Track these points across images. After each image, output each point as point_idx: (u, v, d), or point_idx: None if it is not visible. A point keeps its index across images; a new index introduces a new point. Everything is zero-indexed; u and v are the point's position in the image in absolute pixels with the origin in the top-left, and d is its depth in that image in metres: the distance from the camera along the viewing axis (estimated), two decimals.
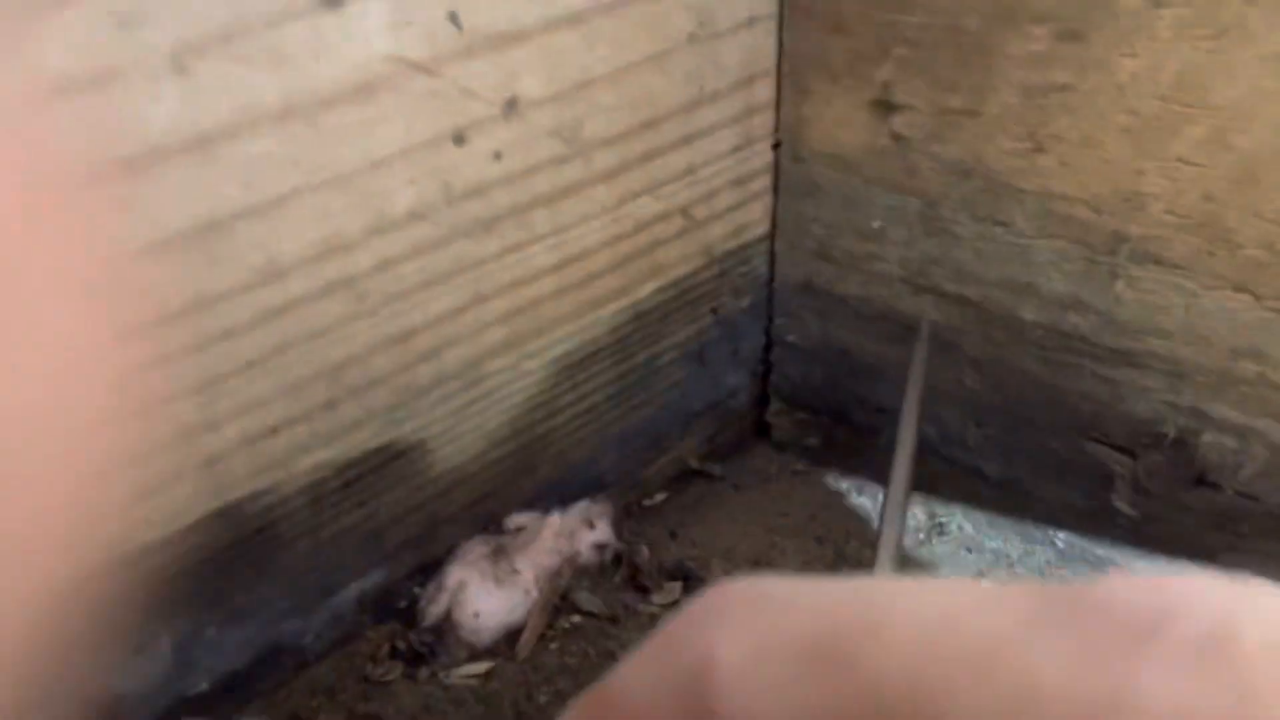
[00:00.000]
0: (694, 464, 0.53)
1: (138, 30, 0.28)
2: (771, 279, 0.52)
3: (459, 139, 0.36)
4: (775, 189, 0.50)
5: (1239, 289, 0.38)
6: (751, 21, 0.45)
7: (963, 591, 0.10)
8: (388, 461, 0.39)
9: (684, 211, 0.46)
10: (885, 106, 0.44)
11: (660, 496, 0.52)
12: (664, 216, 0.45)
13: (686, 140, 0.45)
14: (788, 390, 0.54)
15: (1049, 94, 0.39)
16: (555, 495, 0.46)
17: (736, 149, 0.47)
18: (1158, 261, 0.39)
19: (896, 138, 0.44)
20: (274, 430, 0.35)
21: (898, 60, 0.43)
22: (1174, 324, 0.39)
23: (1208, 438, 0.41)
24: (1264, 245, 0.36)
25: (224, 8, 0.29)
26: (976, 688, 0.09)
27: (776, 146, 0.49)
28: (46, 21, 0.26)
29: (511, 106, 0.37)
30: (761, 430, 0.56)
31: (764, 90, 0.47)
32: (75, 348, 0.14)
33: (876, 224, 0.47)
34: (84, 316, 0.14)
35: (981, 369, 0.46)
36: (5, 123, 0.13)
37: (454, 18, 0.34)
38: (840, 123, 0.46)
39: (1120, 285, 0.40)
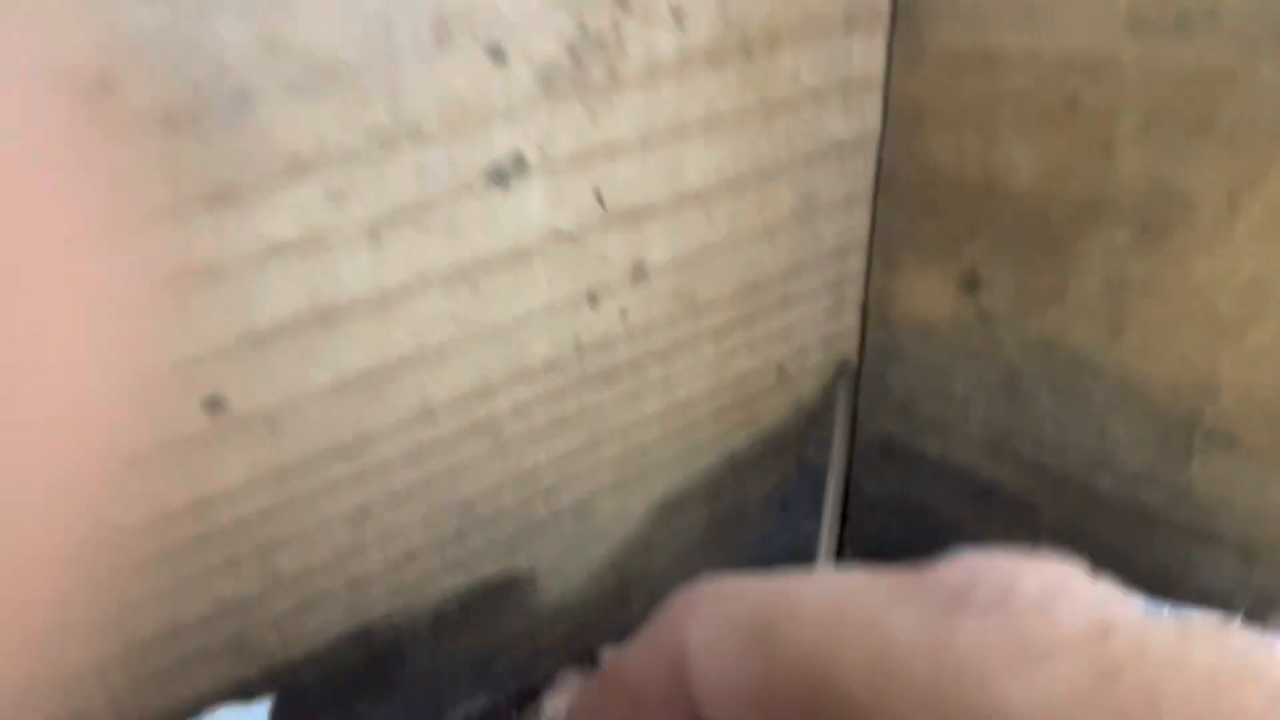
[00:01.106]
0: None
1: (345, 204, 0.32)
2: (852, 434, 0.55)
3: (592, 299, 0.40)
4: (861, 350, 0.53)
5: None
6: (849, 200, 0.49)
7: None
8: (502, 590, 0.42)
9: (779, 367, 0.50)
10: (971, 284, 0.48)
11: None
12: (760, 371, 0.49)
13: (785, 303, 0.48)
14: (863, 542, 0.57)
15: (1129, 284, 0.43)
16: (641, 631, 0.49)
17: (828, 311, 0.51)
18: (1230, 446, 0.42)
19: (981, 313, 0.48)
20: (411, 557, 0.38)
21: (985, 243, 0.47)
22: (1245, 506, 0.42)
23: (1277, 616, 0.43)
24: None
25: (415, 186, 0.33)
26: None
27: (863, 311, 0.53)
28: (274, 195, 0.31)
29: (639, 271, 0.41)
30: None
31: (856, 261, 0.51)
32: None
33: (959, 390, 0.50)
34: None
35: (1057, 535, 0.48)
36: None
37: (599, 196, 0.39)
38: (927, 295, 0.50)
39: (1195, 465, 0.43)
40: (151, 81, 0.27)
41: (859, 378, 0.54)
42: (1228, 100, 0.38)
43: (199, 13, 0.27)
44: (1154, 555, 0.45)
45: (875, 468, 0.55)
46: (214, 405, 0.31)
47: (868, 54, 0.46)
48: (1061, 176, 0.43)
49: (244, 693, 0.35)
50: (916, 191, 0.48)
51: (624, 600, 0.48)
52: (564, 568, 0.44)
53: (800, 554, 0.56)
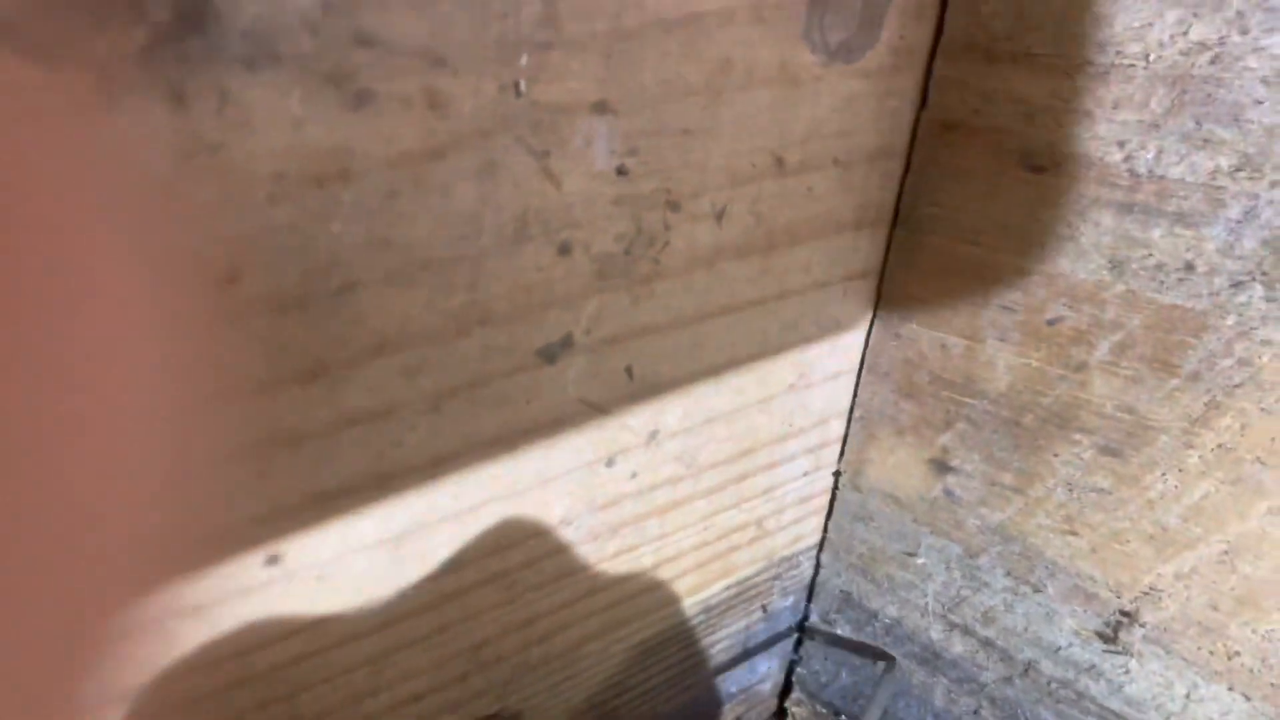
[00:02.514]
0: None
1: (416, 379, 0.34)
2: (814, 583, 0.58)
3: (610, 462, 0.43)
4: (830, 508, 0.57)
5: (1232, 688, 0.45)
6: (837, 375, 0.53)
7: None
8: None
9: (759, 523, 0.53)
10: (941, 467, 0.52)
11: None
12: (742, 526, 0.52)
13: (771, 465, 0.52)
14: (813, 685, 0.60)
15: (1087, 492, 0.47)
16: None
17: (806, 473, 0.55)
18: (1167, 650, 0.46)
19: (948, 493, 0.52)
20: (417, 698, 0.40)
21: (959, 433, 0.51)
22: (1175, 705, 0.46)
23: None
24: (1258, 658, 0.44)
25: (478, 363, 0.36)
26: None
27: (837, 475, 0.56)
28: (359, 371, 0.33)
29: (653, 437, 0.44)
30: (778, 714, 0.61)
31: (836, 428, 0.55)
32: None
33: (920, 560, 0.54)
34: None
35: (997, 704, 0.52)
36: None
37: (629, 371, 0.42)
38: (899, 469, 0.54)
39: (1132, 663, 0.47)
40: (271, 272, 0.29)
41: (825, 534, 0.57)
42: (1194, 343, 0.43)
43: (321, 214, 0.30)
44: None
45: (831, 618, 0.58)
46: (273, 560, 0.33)
47: (870, 249, 0.50)
48: (1036, 386, 0.48)
49: None
50: (899, 376, 0.53)
51: None
52: (548, 707, 0.46)
53: (751, 692, 0.59)
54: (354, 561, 0.35)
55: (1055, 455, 0.48)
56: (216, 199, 0.28)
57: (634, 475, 0.44)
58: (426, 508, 0.37)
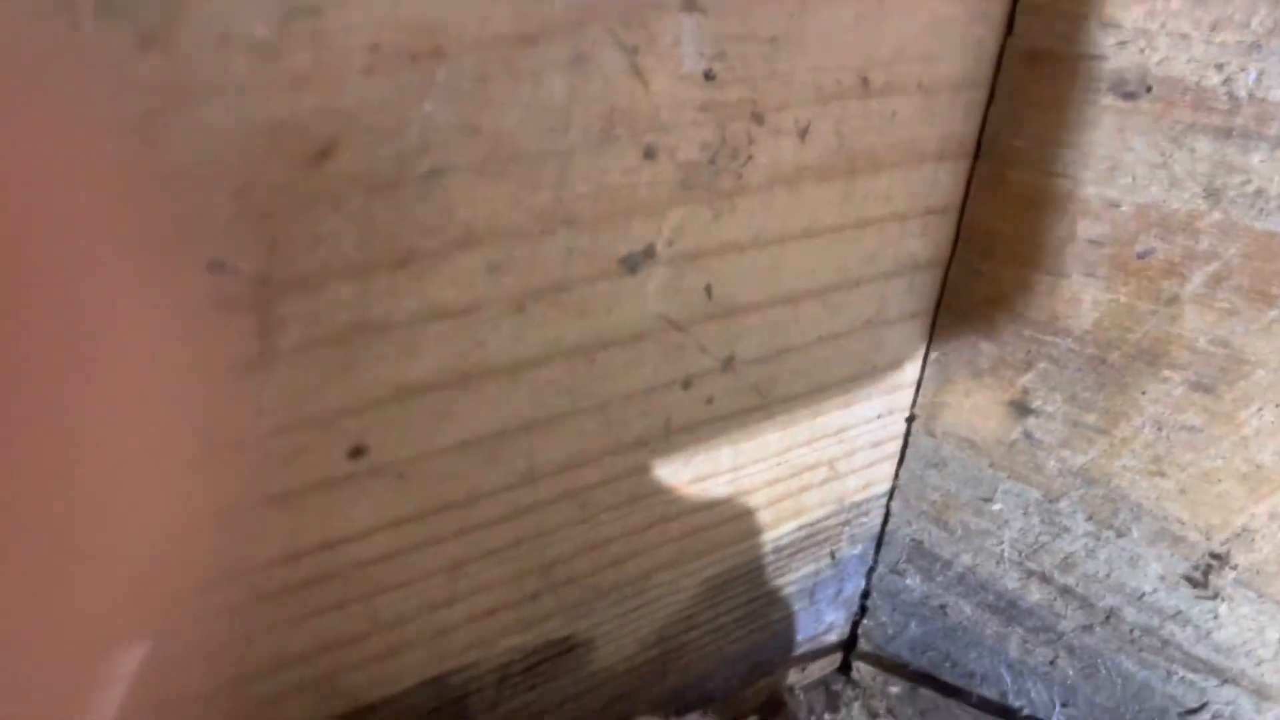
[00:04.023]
0: (785, 693, 0.57)
1: (501, 277, 0.34)
2: (882, 532, 0.57)
3: (686, 384, 0.42)
4: (902, 454, 0.56)
5: None
6: (914, 315, 0.52)
7: None
8: (562, 653, 0.43)
9: (830, 464, 0.52)
10: (1021, 409, 0.51)
11: (752, 719, 0.55)
12: (814, 466, 0.51)
13: (845, 405, 0.51)
14: (880, 637, 0.59)
15: (1176, 431, 0.46)
16: (674, 704, 0.50)
17: (879, 416, 0.53)
18: (1259, 593, 0.44)
19: (1028, 436, 0.51)
20: (491, 612, 0.40)
21: (1040, 373, 0.50)
22: (1267, 651, 0.45)
23: None
24: None
25: (561, 266, 0.35)
26: None
27: (910, 419, 0.55)
28: (445, 263, 0.32)
29: (729, 363, 0.44)
30: (842, 667, 0.60)
31: (911, 371, 0.54)
32: None
33: (996, 506, 0.52)
34: None
35: (1075, 654, 0.51)
36: None
37: (708, 290, 0.41)
38: (976, 411, 0.52)
39: (1222, 607, 0.45)
40: (364, 150, 0.29)
41: (896, 482, 0.56)
42: None
43: (415, 92, 0.29)
44: (1170, 688, 0.48)
45: (901, 568, 0.57)
46: (357, 453, 0.33)
47: (950, 184, 0.49)
48: (1124, 322, 0.46)
49: None
50: (978, 315, 0.51)
51: (663, 673, 0.49)
52: (618, 635, 0.46)
53: (816, 643, 0.58)
54: (435, 462, 0.35)
55: (1143, 393, 0.47)
56: (313, 67, 0.27)
57: (710, 400, 0.44)
58: (507, 413, 0.36)
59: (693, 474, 0.45)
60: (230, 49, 0.26)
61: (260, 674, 0.34)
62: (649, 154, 0.36)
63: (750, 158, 0.40)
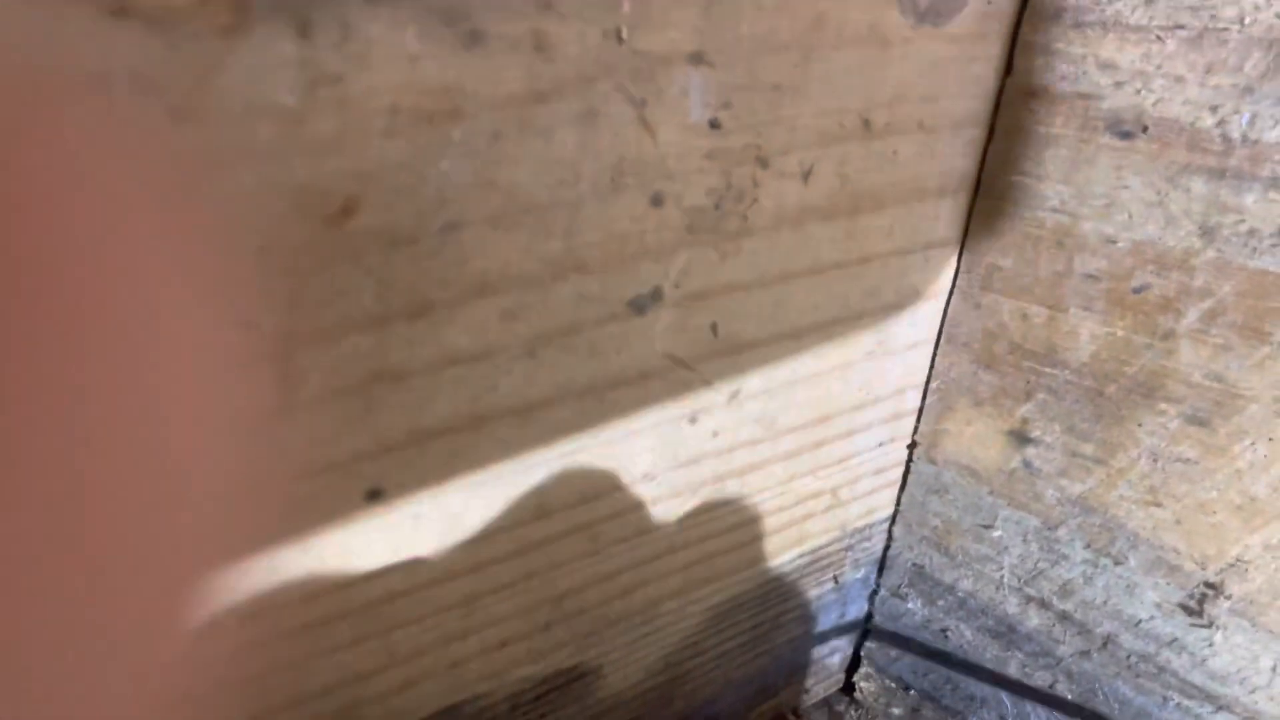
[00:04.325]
0: (789, 715, 0.58)
1: (514, 323, 0.35)
2: (885, 557, 0.58)
3: (693, 419, 0.43)
4: (904, 481, 0.57)
5: None
6: (915, 345, 0.53)
7: None
8: (572, 681, 0.45)
9: (833, 492, 0.53)
10: (1021, 438, 0.52)
11: None
12: (817, 494, 0.52)
13: (848, 433, 0.52)
14: (882, 659, 0.60)
15: (1172, 462, 0.47)
16: None
17: (881, 444, 0.54)
18: (1253, 622, 0.45)
19: (1028, 465, 0.52)
20: (503, 644, 0.41)
21: (1039, 404, 0.51)
22: (1261, 679, 0.46)
23: None
24: None
25: (572, 311, 0.36)
26: None
27: (912, 447, 0.56)
28: (461, 312, 0.33)
29: (734, 397, 0.45)
30: (844, 689, 0.61)
31: (912, 399, 0.55)
32: None
33: (996, 533, 0.53)
34: None
35: (1074, 679, 0.52)
36: None
37: (714, 328, 0.42)
38: (976, 440, 0.53)
39: (1217, 636, 0.46)
40: (384, 207, 0.30)
41: (898, 507, 0.57)
42: None
43: (432, 151, 0.31)
44: (1166, 713, 0.49)
45: (903, 592, 0.58)
46: (374, 495, 0.34)
47: (951, 219, 0.50)
48: (1121, 355, 0.47)
49: None
50: (978, 346, 0.52)
51: (670, 698, 0.50)
52: (625, 663, 0.47)
53: (819, 665, 0.59)
54: (449, 502, 0.36)
55: (1139, 425, 0.48)
56: (336, 131, 0.28)
57: (715, 434, 0.45)
58: (519, 453, 0.38)
59: (698, 504, 0.46)
60: (257, 118, 0.27)
61: (280, 709, 0.35)
62: (656, 201, 0.37)
63: (755, 200, 0.41)
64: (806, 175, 0.42)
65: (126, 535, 0.26)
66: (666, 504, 0.44)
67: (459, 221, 0.32)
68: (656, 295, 0.39)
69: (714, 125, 0.38)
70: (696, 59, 0.36)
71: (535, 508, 0.39)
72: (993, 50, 0.47)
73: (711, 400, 0.44)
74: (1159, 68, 0.45)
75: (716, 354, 0.43)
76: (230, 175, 0.27)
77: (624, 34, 0.33)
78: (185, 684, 0.33)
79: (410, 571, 0.36)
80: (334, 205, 0.29)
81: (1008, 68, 0.48)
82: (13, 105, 0.22)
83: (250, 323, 0.29)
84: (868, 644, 0.60)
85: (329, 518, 0.33)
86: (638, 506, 0.43)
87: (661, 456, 0.43)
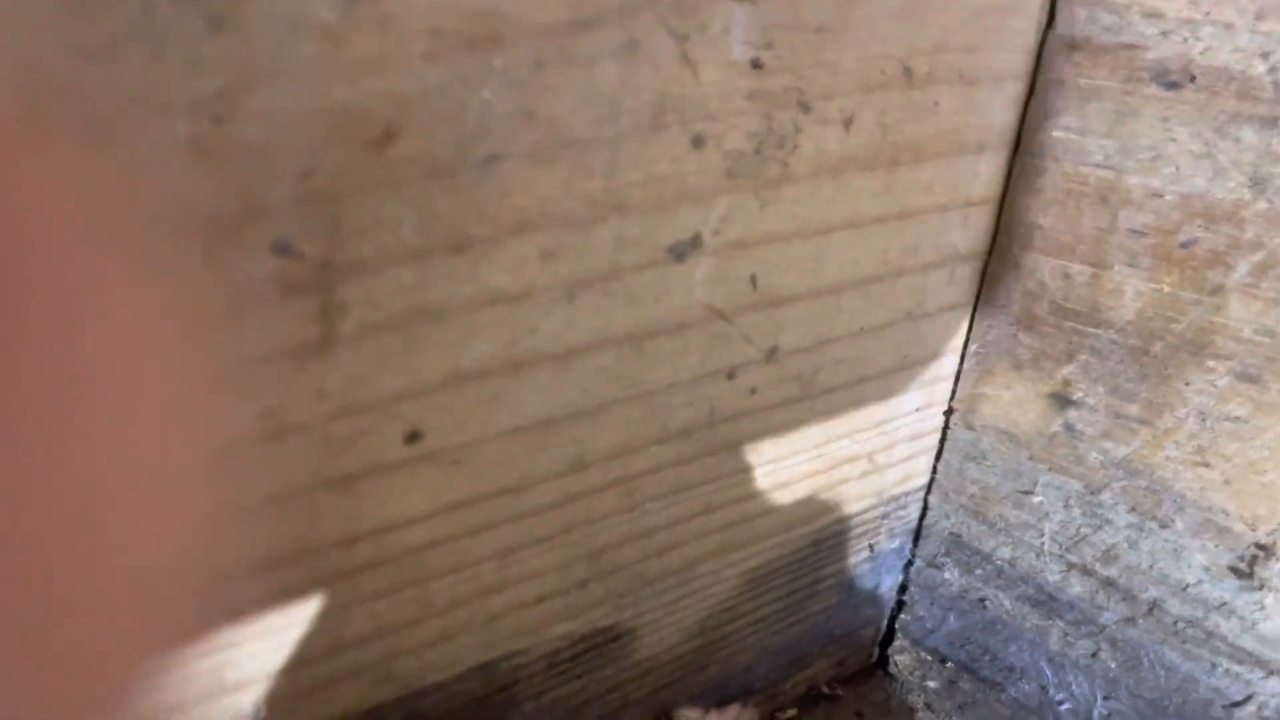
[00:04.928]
0: (824, 687, 0.57)
1: (553, 263, 0.34)
2: (920, 526, 0.57)
3: (730, 374, 0.43)
4: (940, 448, 0.56)
5: None
6: (954, 307, 0.52)
7: None
8: (608, 641, 0.44)
9: (870, 457, 0.52)
10: (1062, 400, 0.51)
11: (791, 712, 0.55)
12: (854, 459, 0.51)
13: (885, 397, 0.51)
14: (917, 631, 0.58)
15: (1221, 421, 0.46)
16: (714, 695, 0.50)
17: (919, 409, 0.53)
18: None
19: (1069, 428, 0.51)
20: (540, 599, 0.40)
21: (1081, 365, 0.50)
22: None
23: None
24: None
25: (612, 254, 0.36)
26: None
27: (949, 413, 0.55)
28: (500, 249, 0.33)
29: (772, 353, 0.44)
30: (879, 662, 0.60)
31: (950, 364, 0.54)
32: None
33: (1036, 499, 0.52)
34: None
35: (1118, 647, 0.51)
36: None
37: (753, 280, 0.41)
38: (1016, 404, 0.52)
39: (1269, 598, 0.45)
40: (424, 136, 0.29)
41: (934, 475, 0.56)
42: None
43: (473, 78, 0.30)
44: (1215, 680, 0.48)
45: (939, 561, 0.57)
46: (413, 438, 0.33)
47: (991, 176, 0.49)
48: (1167, 312, 0.46)
49: (377, 716, 0.37)
50: (1018, 307, 0.51)
51: (704, 664, 0.49)
52: (661, 625, 0.46)
53: (854, 636, 0.58)
54: (488, 448, 0.35)
55: (1187, 384, 0.46)
56: (376, 51, 0.28)
57: (753, 391, 0.44)
58: (558, 401, 0.37)
59: (735, 465, 0.45)
60: (297, 33, 0.26)
61: (315, 657, 0.34)
62: (697, 143, 0.36)
63: (796, 147, 0.40)
64: (848, 123, 0.41)
65: (156, 470, 0.25)
66: (704, 461, 0.43)
67: (499, 154, 0.31)
68: (696, 242, 0.38)
69: (756, 65, 0.37)
70: None
71: (573, 459, 0.38)
72: (1034, 1, 0.46)
73: (749, 355, 0.43)
74: (1207, 15, 0.43)
75: (755, 307, 0.42)
76: (270, 93, 0.26)
77: None
78: (218, 629, 0.32)
79: (449, 519, 0.35)
80: (375, 131, 0.29)
81: (1049, 19, 0.47)
82: None
83: (291, 248, 0.28)
84: (903, 616, 0.59)
85: (368, 460, 0.32)
86: (675, 463, 0.42)
87: (700, 412, 0.42)
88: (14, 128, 0.14)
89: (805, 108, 0.39)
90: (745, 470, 0.46)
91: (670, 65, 0.34)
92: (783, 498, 0.48)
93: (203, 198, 0.26)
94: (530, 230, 0.33)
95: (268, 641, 0.33)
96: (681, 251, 0.38)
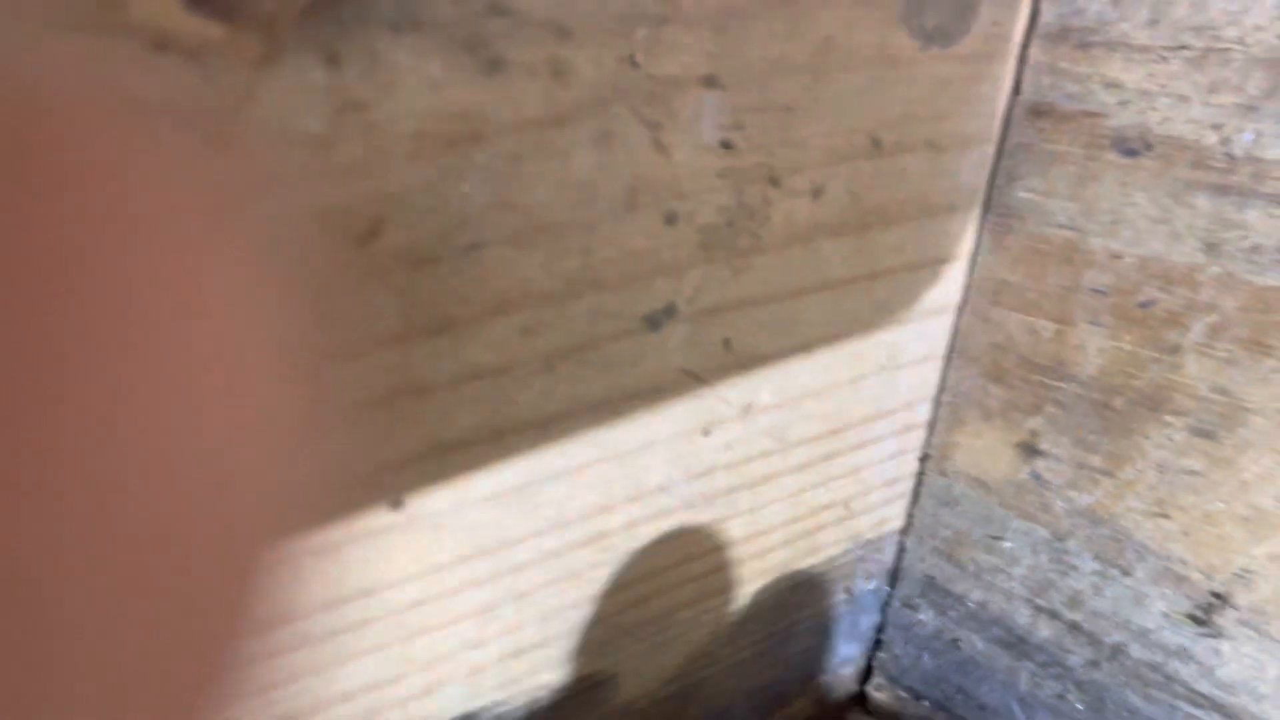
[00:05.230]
0: None
1: (532, 339, 0.36)
2: (896, 568, 0.59)
3: (705, 432, 0.44)
4: (915, 492, 0.58)
5: None
6: (925, 359, 0.54)
7: None
8: (587, 689, 0.45)
9: (845, 503, 0.54)
10: (1030, 450, 0.52)
11: None
12: (829, 506, 0.53)
13: (860, 446, 0.53)
14: (894, 669, 0.60)
15: (1179, 474, 0.48)
16: None
17: (893, 456, 0.55)
18: (1259, 632, 0.46)
19: (1037, 477, 0.52)
20: (520, 652, 0.42)
21: (1047, 416, 0.51)
22: (1268, 688, 0.46)
23: None
24: None
25: (588, 327, 0.38)
26: None
27: (923, 459, 0.57)
28: (481, 328, 0.35)
29: (747, 410, 0.46)
30: (857, 699, 0.62)
31: (923, 412, 0.56)
32: None
33: (1007, 545, 0.54)
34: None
35: (1084, 689, 0.52)
36: None
37: (727, 343, 0.43)
38: (987, 453, 0.54)
39: (1225, 645, 0.47)
40: (408, 229, 0.31)
41: (909, 519, 0.58)
42: None
43: (454, 174, 0.32)
44: None
45: (915, 602, 0.58)
46: (397, 505, 0.35)
47: (960, 234, 0.51)
48: (1127, 369, 0.48)
49: None
50: (987, 360, 0.53)
51: (685, 707, 0.51)
52: (641, 671, 0.48)
53: (832, 675, 0.59)
54: (469, 513, 0.37)
55: (1146, 438, 0.48)
56: (362, 155, 0.30)
57: (728, 447, 0.46)
58: (537, 465, 0.39)
59: (711, 516, 0.47)
60: (288, 144, 0.28)
61: (303, 714, 0.36)
62: (670, 219, 0.38)
63: (767, 218, 0.42)
64: (817, 193, 0.43)
65: (165, 533, 0.27)
66: (680, 515, 0.45)
67: (480, 241, 0.33)
68: (671, 311, 0.40)
69: (726, 146, 0.39)
70: (709, 82, 0.37)
71: (552, 519, 0.40)
72: (1000, 70, 0.48)
73: (724, 413, 0.45)
74: (1163, 87, 0.45)
75: (729, 368, 0.44)
76: (264, 200, 0.28)
77: (638, 59, 0.34)
78: (208, 689, 0.34)
79: (432, 580, 0.37)
80: (361, 226, 0.30)
81: (1015, 87, 0.49)
82: (65, 126, 0.23)
83: (282, 340, 0.30)
84: (880, 654, 0.61)
85: (353, 527, 0.34)
86: (652, 518, 0.44)
87: (675, 468, 0.44)
88: None
89: (775, 182, 0.41)
90: (721, 521, 0.48)
91: (643, 151, 0.36)
92: (759, 546, 0.50)
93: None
94: (511, 309, 0.35)
95: (253, 701, 0.34)
96: (657, 320, 0.40)
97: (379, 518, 0.35)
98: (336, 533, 0.34)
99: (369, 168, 0.30)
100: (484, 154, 0.32)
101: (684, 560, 0.47)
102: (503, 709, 0.42)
